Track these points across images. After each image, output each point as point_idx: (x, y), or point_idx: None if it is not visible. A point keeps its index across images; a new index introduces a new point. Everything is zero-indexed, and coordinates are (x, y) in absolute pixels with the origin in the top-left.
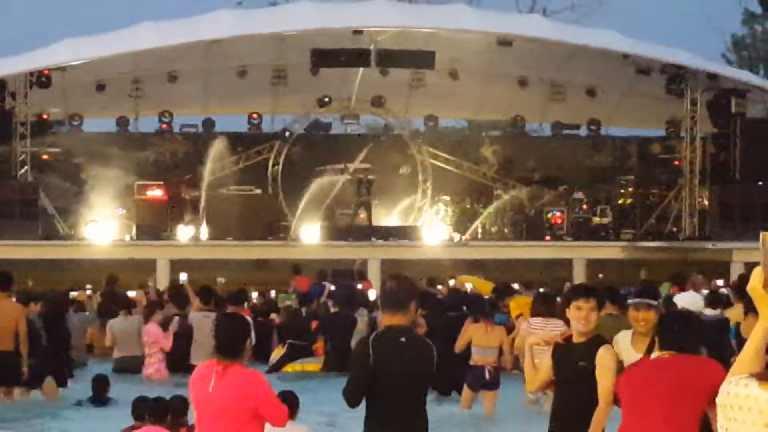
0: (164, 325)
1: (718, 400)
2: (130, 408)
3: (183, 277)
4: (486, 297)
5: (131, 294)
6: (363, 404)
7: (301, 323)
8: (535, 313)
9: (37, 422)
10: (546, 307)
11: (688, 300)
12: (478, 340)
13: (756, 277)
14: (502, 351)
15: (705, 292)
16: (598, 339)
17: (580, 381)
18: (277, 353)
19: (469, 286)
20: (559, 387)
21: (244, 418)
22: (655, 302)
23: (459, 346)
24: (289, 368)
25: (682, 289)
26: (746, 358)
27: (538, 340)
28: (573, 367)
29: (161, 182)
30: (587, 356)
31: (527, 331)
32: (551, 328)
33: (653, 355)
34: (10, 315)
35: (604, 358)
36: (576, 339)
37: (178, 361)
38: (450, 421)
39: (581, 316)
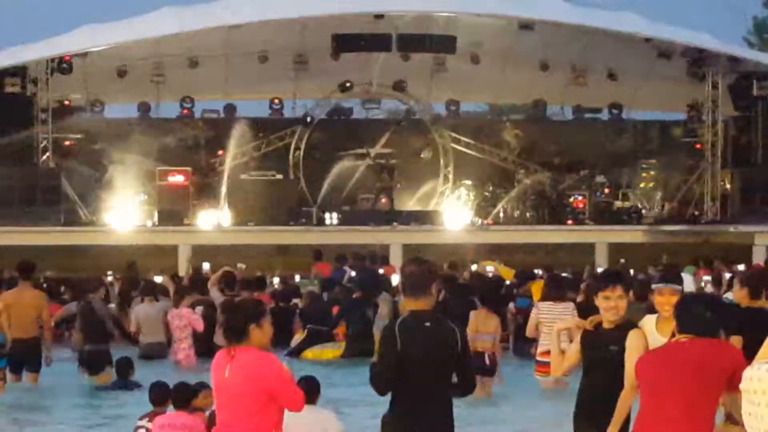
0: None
1: (741, 386)
2: (148, 393)
3: (206, 266)
4: (507, 282)
5: (158, 279)
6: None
7: (322, 308)
8: (544, 297)
9: (61, 406)
10: (556, 290)
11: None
12: (479, 326)
13: None
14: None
15: (727, 276)
16: (629, 324)
17: (609, 366)
18: (297, 338)
19: (490, 270)
20: (588, 372)
21: (260, 402)
22: (679, 286)
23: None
24: (309, 354)
25: (709, 272)
26: None
27: (569, 325)
28: (603, 352)
29: (186, 168)
30: (618, 341)
31: (536, 315)
32: (560, 312)
33: (673, 339)
34: (33, 303)
35: (632, 342)
36: (606, 325)
37: (204, 345)
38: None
39: (610, 306)
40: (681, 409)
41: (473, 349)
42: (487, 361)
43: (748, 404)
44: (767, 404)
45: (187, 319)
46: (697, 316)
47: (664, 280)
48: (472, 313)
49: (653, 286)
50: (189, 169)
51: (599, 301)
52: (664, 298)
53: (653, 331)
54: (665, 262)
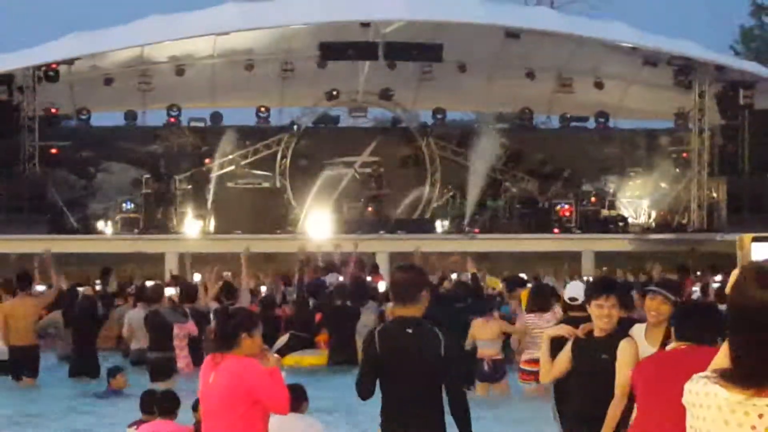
0: None
1: (683, 399)
2: (139, 402)
3: (197, 277)
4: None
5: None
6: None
7: (305, 315)
8: (529, 309)
9: (50, 413)
10: (539, 302)
11: (576, 291)
12: (477, 334)
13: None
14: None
15: (716, 286)
16: (620, 332)
17: (600, 374)
18: (280, 341)
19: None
20: (578, 380)
21: (242, 406)
22: (672, 296)
23: (468, 343)
24: (289, 359)
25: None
26: (720, 359)
27: (560, 332)
28: (594, 360)
29: (173, 176)
30: (609, 350)
31: (523, 326)
32: (546, 322)
33: (669, 346)
34: (32, 312)
35: (624, 351)
36: (597, 333)
37: (193, 354)
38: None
39: (602, 314)
40: (677, 417)
41: (479, 356)
42: (486, 368)
43: (691, 418)
44: (704, 417)
45: (187, 327)
46: (696, 324)
47: (659, 286)
48: (472, 322)
49: (645, 289)
50: (176, 177)
51: (592, 309)
52: (653, 303)
53: (642, 340)
54: (651, 271)
